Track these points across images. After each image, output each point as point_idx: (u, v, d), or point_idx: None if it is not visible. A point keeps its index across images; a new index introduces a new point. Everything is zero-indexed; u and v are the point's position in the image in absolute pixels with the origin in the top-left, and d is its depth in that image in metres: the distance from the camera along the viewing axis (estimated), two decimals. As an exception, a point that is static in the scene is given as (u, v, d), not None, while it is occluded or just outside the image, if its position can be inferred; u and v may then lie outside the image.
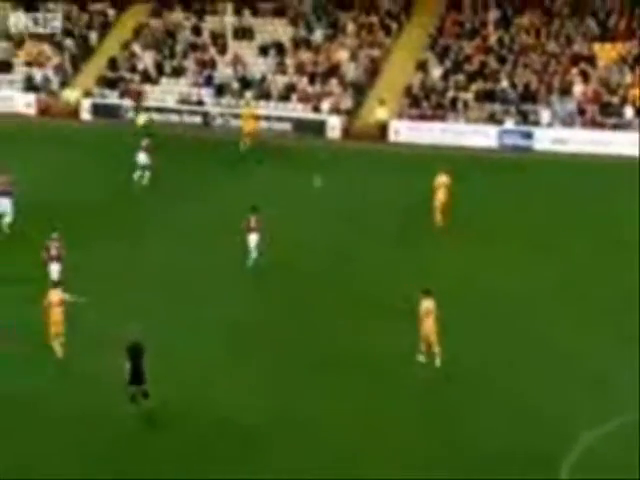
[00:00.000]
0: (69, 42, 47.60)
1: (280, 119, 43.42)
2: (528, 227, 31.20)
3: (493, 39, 45.31)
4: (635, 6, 44.38)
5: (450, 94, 43.56)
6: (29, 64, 47.02)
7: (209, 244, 29.15)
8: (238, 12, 47.23)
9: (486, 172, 37.65)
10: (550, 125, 41.96)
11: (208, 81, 45.57)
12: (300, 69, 45.51)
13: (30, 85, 46.17)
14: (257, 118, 41.27)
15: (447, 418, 20.07)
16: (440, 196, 31.02)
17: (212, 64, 46.22)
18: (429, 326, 21.69)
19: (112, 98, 45.39)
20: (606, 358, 22.25)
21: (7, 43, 47.92)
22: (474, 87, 43.57)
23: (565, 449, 18.62)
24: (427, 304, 21.79)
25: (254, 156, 38.38)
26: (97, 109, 44.86)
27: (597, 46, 43.73)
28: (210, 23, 47.78)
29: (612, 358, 22.23)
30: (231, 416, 19.71)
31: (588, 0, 45.20)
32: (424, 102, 43.45)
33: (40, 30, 47.64)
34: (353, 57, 45.53)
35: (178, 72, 46.20)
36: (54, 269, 24.96)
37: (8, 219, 29.56)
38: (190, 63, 46.46)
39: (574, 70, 43.18)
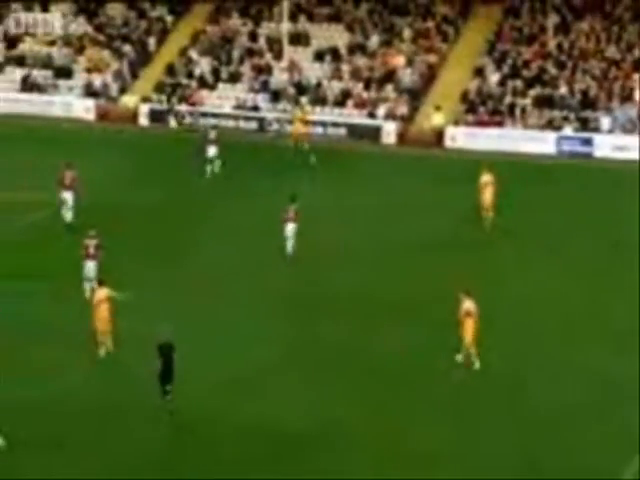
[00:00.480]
0: (128, 48, 48.18)
1: (335, 125, 43.38)
2: (588, 236, 30.68)
3: (552, 44, 44.71)
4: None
5: (507, 100, 43.09)
6: (89, 70, 47.69)
7: (261, 248, 29.23)
8: (294, 18, 47.33)
9: (544, 179, 37.25)
10: (610, 132, 41.24)
11: (264, 87, 45.73)
12: (356, 75, 45.43)
13: (89, 91, 46.81)
14: (307, 122, 41.34)
15: (492, 429, 19.77)
16: (487, 195, 31.15)
17: (268, 70, 46.38)
18: (468, 327, 21.60)
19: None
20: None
21: (67, 49, 48.68)
22: (532, 93, 43.06)
23: (618, 470, 18.24)
24: (467, 305, 21.73)
25: (306, 160, 38.44)
26: (154, 114, 45.31)
27: (659, 51, 42.97)
28: (266, 29, 47.97)
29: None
30: (266, 420, 19.79)
31: (650, 4, 44.44)
32: (481, 108, 43.05)
33: (99, 37, 48.40)
34: (409, 63, 45.31)
35: (234, 78, 46.45)
36: (90, 267, 25.45)
37: (70, 212, 30.55)
38: (246, 69, 46.68)
39: (635, 76, 42.39)
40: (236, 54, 47.23)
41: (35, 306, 24.77)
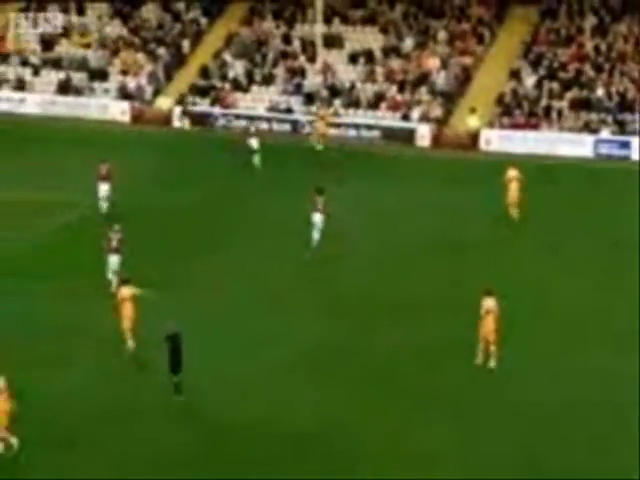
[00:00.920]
0: (162, 51, 48.33)
1: (369, 127, 43.16)
2: (627, 242, 30.17)
3: (589, 46, 44.18)
4: None
5: (544, 102, 42.65)
6: (124, 72, 47.91)
7: (287, 248, 29.25)
8: (328, 20, 47.19)
9: (581, 182, 36.82)
10: (648, 135, 40.68)
11: (297, 89, 45.65)
12: (390, 77, 45.20)
13: (124, 93, 47.02)
14: (329, 124, 41.37)
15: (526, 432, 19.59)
16: (512, 190, 31.18)
17: (302, 72, 46.29)
18: (488, 325, 21.78)
19: (203, 106, 45.87)
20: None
21: (103, 51, 48.95)
22: (569, 95, 42.58)
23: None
24: (489, 303, 21.91)
25: (331, 159, 38.59)
26: (189, 117, 45.34)
27: (699, 53, 42.29)
28: (300, 31, 47.89)
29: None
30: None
31: (690, 6, 43.77)
32: (516, 110, 42.63)
33: (134, 39, 48.64)
34: (444, 65, 44.99)
35: (268, 80, 46.41)
36: (114, 260, 25.88)
37: (106, 204, 31.78)
38: (280, 71, 46.63)
39: (674, 78, 41.80)
40: (270, 56, 47.19)
41: (55, 306, 24.94)
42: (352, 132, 42.66)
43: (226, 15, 49.61)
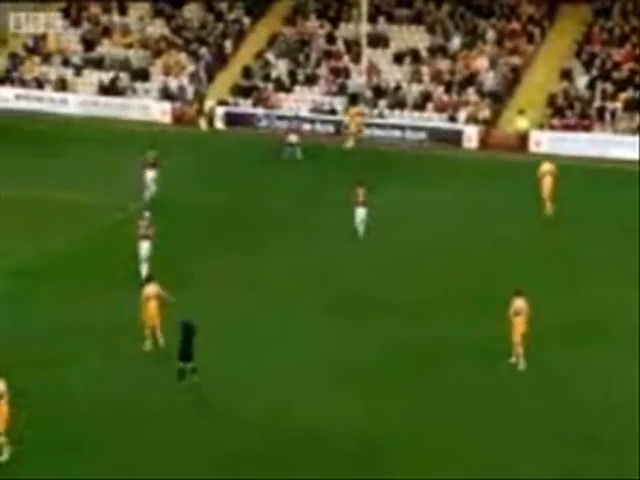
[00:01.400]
0: (204, 51, 47.76)
1: (415, 128, 42.19)
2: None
3: (644, 46, 42.80)
4: None
5: (596, 104, 41.33)
6: (166, 73, 47.44)
7: (329, 249, 28.95)
8: (373, 19, 46.25)
9: (634, 186, 35.50)
10: None
11: (341, 90, 44.77)
12: (436, 77, 44.14)
13: (166, 94, 46.53)
14: (361, 122, 41.32)
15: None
16: (546, 184, 30.89)
17: (346, 72, 45.41)
18: (517, 326, 21.66)
19: (246, 107, 45.20)
20: None
21: (144, 52, 48.53)
22: (623, 96, 41.22)
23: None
24: (518, 304, 21.74)
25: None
26: (230, 117, 44.72)
27: None
28: (344, 31, 47.01)
29: None
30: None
31: None
32: (568, 112, 41.33)
33: (176, 39, 48.16)
34: (492, 65, 43.84)
35: (311, 80, 45.60)
36: (144, 246, 26.75)
37: (153, 189, 32.92)
38: (323, 71, 45.80)
39: None
40: (313, 56, 46.39)
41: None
42: (397, 133, 41.82)
43: (269, 14, 48.92)
